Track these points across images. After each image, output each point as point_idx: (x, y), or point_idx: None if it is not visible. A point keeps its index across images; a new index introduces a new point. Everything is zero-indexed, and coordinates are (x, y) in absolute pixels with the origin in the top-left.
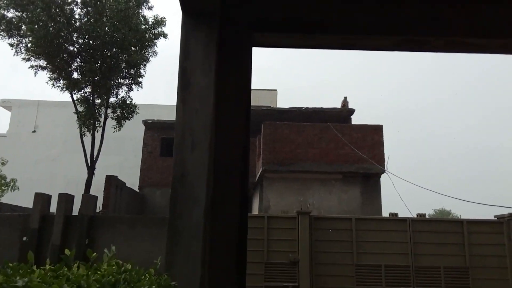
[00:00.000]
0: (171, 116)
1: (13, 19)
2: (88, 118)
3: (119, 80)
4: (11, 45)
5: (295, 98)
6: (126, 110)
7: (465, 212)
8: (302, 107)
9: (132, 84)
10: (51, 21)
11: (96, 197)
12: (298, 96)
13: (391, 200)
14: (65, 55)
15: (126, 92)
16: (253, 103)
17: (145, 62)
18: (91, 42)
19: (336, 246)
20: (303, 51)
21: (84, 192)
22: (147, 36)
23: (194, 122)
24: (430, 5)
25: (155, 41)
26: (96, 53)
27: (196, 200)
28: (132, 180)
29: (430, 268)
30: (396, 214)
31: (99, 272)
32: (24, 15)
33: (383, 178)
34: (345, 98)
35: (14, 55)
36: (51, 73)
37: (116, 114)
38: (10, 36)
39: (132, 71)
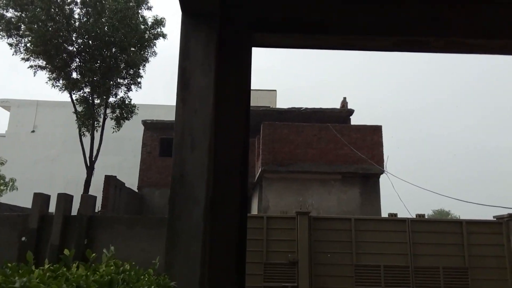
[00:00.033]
0: (170, 116)
1: (12, 19)
2: (87, 118)
3: (118, 80)
4: (10, 44)
5: (294, 99)
6: (125, 110)
7: (464, 212)
8: (301, 108)
9: (131, 84)
10: (50, 20)
11: (95, 197)
12: (297, 97)
13: (390, 200)
14: (64, 55)
15: (124, 92)
16: (252, 103)
17: (144, 63)
18: (90, 42)
19: (335, 246)
20: (303, 52)
21: (83, 192)
22: (146, 37)
23: (194, 122)
24: (430, 6)
25: (154, 41)
26: (95, 53)
27: (196, 201)
28: (131, 180)
29: (429, 269)
30: (395, 215)
31: (98, 273)
32: (23, 15)
33: (382, 178)
34: (344, 98)
35: (13, 54)
36: (50, 73)
37: (115, 114)
38: (9, 36)
39: (131, 71)
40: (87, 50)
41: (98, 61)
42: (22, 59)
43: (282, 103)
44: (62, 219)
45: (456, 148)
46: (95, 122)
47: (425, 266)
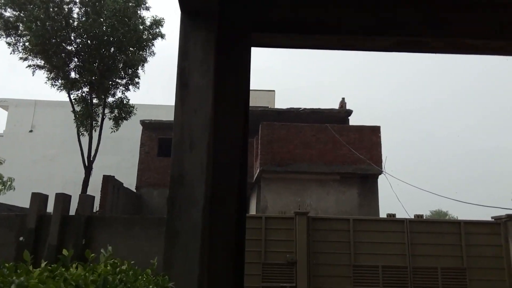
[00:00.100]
0: (169, 116)
1: (11, 18)
2: (85, 118)
3: (117, 80)
4: (9, 43)
5: (293, 99)
6: (124, 110)
7: (463, 213)
8: (300, 108)
9: (129, 84)
10: (49, 20)
11: (93, 197)
12: (296, 97)
13: (388, 201)
14: (63, 54)
15: (122, 92)
16: (251, 103)
17: (142, 63)
18: (89, 41)
19: (333, 246)
20: (301, 52)
21: (81, 192)
22: (145, 37)
23: (193, 122)
24: (429, 6)
25: (153, 41)
26: (94, 53)
27: (195, 200)
28: (129, 180)
29: (427, 269)
30: (394, 215)
31: (95, 273)
32: (22, 14)
33: (381, 179)
34: (343, 99)
35: (10, 53)
36: (48, 72)
37: (113, 115)
38: (7, 35)
39: (129, 72)
40: (86, 49)
41: (97, 61)
42: (21, 58)
43: (280, 103)
44: (60, 219)
45: (456, 148)
46: (94, 122)
47: (423, 266)
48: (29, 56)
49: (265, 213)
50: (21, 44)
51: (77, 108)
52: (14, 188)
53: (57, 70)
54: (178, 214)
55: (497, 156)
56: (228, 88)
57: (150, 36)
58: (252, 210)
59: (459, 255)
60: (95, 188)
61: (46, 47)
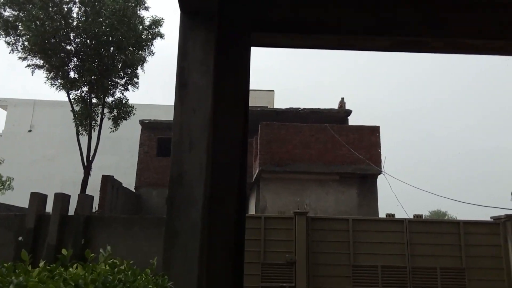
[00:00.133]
0: (168, 116)
1: (10, 18)
2: (84, 118)
3: (116, 80)
4: (8, 43)
5: (292, 99)
6: (123, 110)
7: (462, 213)
8: (299, 108)
9: (128, 84)
10: (48, 19)
11: (92, 197)
12: (295, 97)
13: (387, 201)
14: (62, 54)
15: (120, 92)
16: (250, 103)
17: (142, 63)
18: (88, 41)
19: (333, 246)
20: (301, 52)
21: (80, 192)
22: (144, 37)
23: (192, 122)
24: (429, 6)
25: (152, 41)
26: (93, 53)
27: (194, 200)
28: (128, 180)
29: (427, 269)
30: (393, 215)
31: (94, 272)
32: (21, 13)
33: (380, 179)
34: (342, 99)
35: (9, 53)
36: (47, 72)
37: (112, 114)
38: (7, 35)
39: (128, 71)
40: (85, 49)
41: (96, 61)
42: (20, 58)
43: (280, 103)
44: (59, 219)
45: (456, 148)
46: (93, 122)
47: (423, 266)
48: (28, 56)
49: (264, 213)
50: (20, 43)
51: (76, 108)
52: (13, 188)
53: (56, 70)
54: (178, 214)
55: (496, 156)
56: (227, 88)
57: (149, 36)
58: (251, 210)
59: (458, 255)
60: (94, 188)
61: (45, 47)
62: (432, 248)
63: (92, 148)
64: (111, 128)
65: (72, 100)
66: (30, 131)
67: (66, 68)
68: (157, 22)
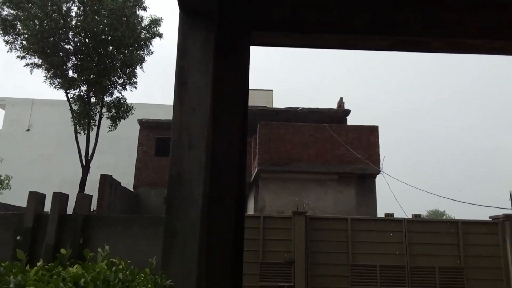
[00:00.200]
0: (167, 116)
1: (8, 17)
2: (83, 117)
3: (115, 79)
4: (6, 42)
5: (291, 98)
6: (121, 110)
7: (460, 213)
8: (298, 108)
9: (126, 84)
10: (47, 18)
11: (90, 197)
12: (294, 97)
13: (386, 200)
14: (60, 53)
15: (119, 91)
16: (249, 103)
17: (140, 62)
18: (87, 40)
19: (331, 246)
20: (300, 52)
21: (78, 191)
22: (143, 36)
23: (191, 121)
24: (429, 6)
25: (151, 40)
26: (92, 52)
27: (193, 200)
28: (127, 180)
29: (425, 269)
30: (392, 215)
31: (93, 272)
32: (19, 13)
33: (379, 178)
34: (341, 98)
35: (8, 51)
36: (46, 71)
37: (111, 114)
38: (5, 34)
39: (127, 71)
40: (84, 48)
41: (95, 60)
42: (18, 57)
43: (278, 103)
44: (58, 218)
45: (455, 148)
46: (91, 121)
47: (421, 266)
48: (26, 55)
49: (263, 213)
50: (18, 42)
51: (75, 107)
52: (11, 187)
53: (55, 69)
54: (177, 214)
55: (495, 156)
56: (227, 88)
57: (148, 35)
58: (250, 210)
59: (456, 254)
60: (92, 188)
61: (44, 46)
62: (430, 247)
63: (90, 148)
64: (109, 128)
65: (71, 99)
66: (28, 130)
67: (64, 67)
68: (155, 22)
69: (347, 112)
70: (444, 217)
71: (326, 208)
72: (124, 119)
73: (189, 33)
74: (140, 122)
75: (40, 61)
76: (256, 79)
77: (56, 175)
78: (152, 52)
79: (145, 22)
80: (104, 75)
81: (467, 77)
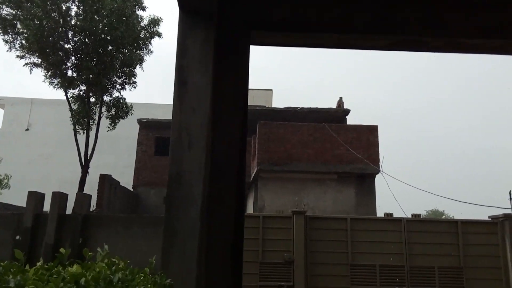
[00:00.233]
0: (166, 115)
1: (8, 17)
2: (82, 117)
3: (114, 79)
4: (6, 41)
5: (291, 98)
6: (121, 109)
7: (459, 212)
8: (297, 107)
9: (125, 83)
10: (46, 18)
11: (90, 196)
12: (293, 96)
13: (385, 200)
14: (60, 52)
15: (118, 91)
16: (249, 102)
17: (140, 62)
18: (86, 40)
19: (331, 245)
20: (299, 51)
21: (78, 191)
22: (142, 36)
23: (191, 121)
24: (429, 6)
25: (151, 40)
26: (91, 51)
27: (193, 199)
28: (126, 179)
29: (425, 268)
30: (391, 214)
31: (93, 271)
32: (19, 12)
33: (378, 178)
34: (341, 98)
35: (7, 51)
36: (46, 71)
37: (110, 113)
38: (4, 33)
39: (126, 70)
40: (83, 48)
41: (94, 59)
42: (17, 56)
43: (278, 102)
44: (57, 217)
45: (454, 148)
46: (90, 121)
47: (421, 265)
48: (26, 54)
49: (262, 212)
50: (18, 42)
51: (74, 107)
52: (10, 187)
53: (54, 68)
54: (176, 213)
55: (494, 156)
56: (226, 87)
57: (147, 35)
58: (250, 209)
59: (456, 254)
60: (91, 187)
61: (44, 45)
62: (430, 247)
63: (90, 147)
64: (109, 127)
65: (70, 99)
66: (27, 130)
67: (64, 66)
68: (155, 21)
69: (347, 111)
70: (443, 216)
71: (326, 208)
72: (124, 119)
73: (188, 32)
74: (140, 121)
75: (40, 60)
76: (256, 79)
77: (56, 174)
78: (151, 52)
79: (145, 21)
80: (104, 74)
81: (467, 77)
